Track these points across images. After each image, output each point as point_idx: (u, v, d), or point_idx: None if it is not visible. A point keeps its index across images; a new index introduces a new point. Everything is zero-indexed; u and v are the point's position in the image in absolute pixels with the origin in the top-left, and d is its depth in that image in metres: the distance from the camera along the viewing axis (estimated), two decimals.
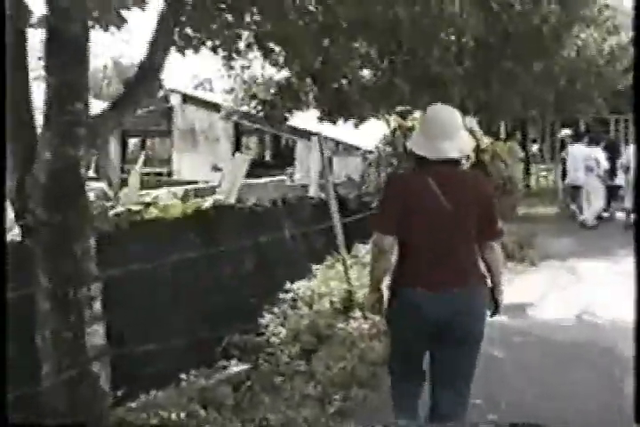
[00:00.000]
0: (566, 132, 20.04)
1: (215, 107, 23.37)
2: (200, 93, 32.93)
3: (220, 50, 7.05)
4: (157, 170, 29.79)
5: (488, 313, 4.50)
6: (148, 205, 7.35)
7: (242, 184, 11.29)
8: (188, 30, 6.47)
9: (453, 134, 4.19)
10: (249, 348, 6.89)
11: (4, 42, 4.22)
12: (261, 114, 14.76)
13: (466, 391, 4.45)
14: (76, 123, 4.59)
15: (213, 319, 7.20)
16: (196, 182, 18.87)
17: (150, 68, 5.30)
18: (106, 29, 4.53)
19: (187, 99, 29.08)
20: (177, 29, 5.93)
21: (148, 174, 26.28)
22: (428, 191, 4.11)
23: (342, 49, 7.71)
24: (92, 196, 7.00)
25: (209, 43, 6.82)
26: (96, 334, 4.79)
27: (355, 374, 6.24)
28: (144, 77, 5.30)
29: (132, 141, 41.40)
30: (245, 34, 7.23)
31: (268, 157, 37.43)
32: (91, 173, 20.10)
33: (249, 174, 22.33)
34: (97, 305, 4.80)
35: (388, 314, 4.51)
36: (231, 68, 14.15)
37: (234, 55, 7.18)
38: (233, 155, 26.98)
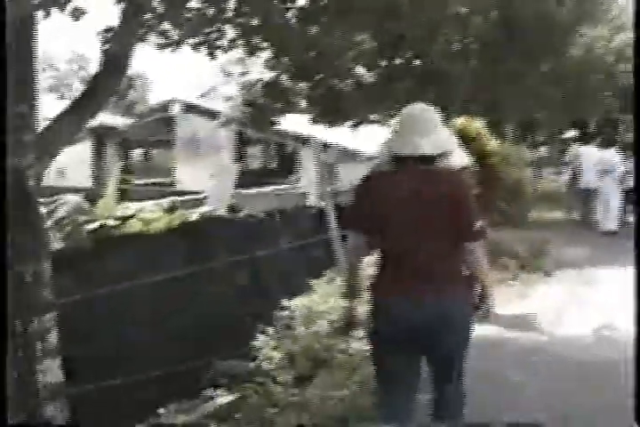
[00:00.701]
0: (572, 133, 19.34)
1: (216, 115, 22.75)
2: (201, 102, 32.24)
3: (202, 48, 6.46)
4: (159, 180, 29.28)
5: (475, 319, 4.29)
6: (126, 218, 6.71)
7: (240, 194, 10.68)
8: (167, 26, 5.88)
9: (428, 131, 4.05)
10: (238, 375, 6.24)
11: (4, 41, 3.69)
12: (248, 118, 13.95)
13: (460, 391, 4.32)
14: (21, 127, 3.97)
15: (201, 343, 6.58)
16: (197, 193, 18.40)
17: (114, 64, 4.67)
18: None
19: (188, 108, 28.45)
20: (152, 25, 5.33)
21: (148, 185, 25.85)
22: (399, 190, 3.97)
23: (332, 38, 7.01)
24: (65, 210, 6.42)
25: (190, 40, 6.24)
26: (50, 371, 4.15)
27: (354, 404, 5.57)
28: (107, 74, 4.67)
29: (136, 152, 41.10)
30: (229, 30, 6.61)
31: (273, 166, 36.88)
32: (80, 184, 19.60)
33: (253, 184, 21.86)
34: (51, 338, 4.16)
35: (369, 327, 4.21)
36: (229, 74, 13.57)
37: (217, 53, 6.56)
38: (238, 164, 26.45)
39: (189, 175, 27.54)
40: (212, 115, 26.03)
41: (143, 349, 6.10)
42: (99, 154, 27.16)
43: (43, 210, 5.89)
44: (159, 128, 29.85)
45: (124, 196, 11.97)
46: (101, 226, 6.21)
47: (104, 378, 4.99)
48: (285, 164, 33.39)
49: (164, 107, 28.46)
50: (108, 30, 4.63)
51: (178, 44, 6.14)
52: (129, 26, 4.48)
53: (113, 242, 6.19)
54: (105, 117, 30.55)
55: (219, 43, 6.46)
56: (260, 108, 12.77)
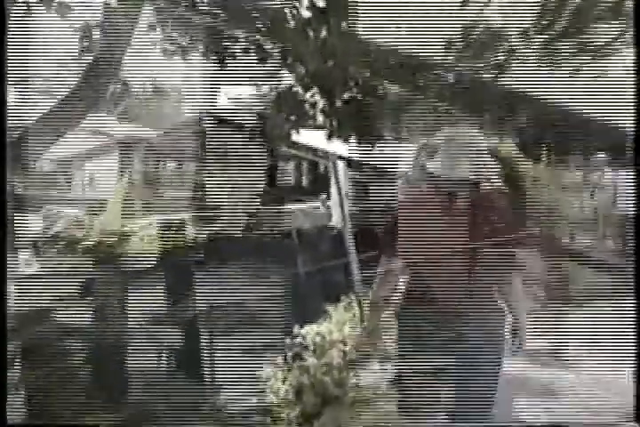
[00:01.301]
0: (601, 155, 18.74)
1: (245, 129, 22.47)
2: (232, 116, 32.10)
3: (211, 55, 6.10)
4: (187, 194, 29.15)
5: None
6: (129, 235, 6.27)
7: (263, 211, 10.26)
8: (174, 33, 5.53)
9: (472, 155, 4.02)
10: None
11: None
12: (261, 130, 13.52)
13: None
14: None
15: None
16: (221, 207, 18.16)
17: (105, 67, 4.27)
18: None
19: (220, 121, 28.27)
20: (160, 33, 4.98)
21: (174, 199, 25.69)
22: (434, 214, 3.94)
23: (346, 40, 6.61)
24: (61, 225, 6.02)
25: (200, 47, 5.89)
26: (13, 406, 3.70)
27: None
28: (97, 77, 4.28)
29: (168, 165, 40.99)
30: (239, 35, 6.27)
31: (304, 183, 36.63)
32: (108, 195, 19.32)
33: (282, 200, 21.46)
34: (15, 369, 3.72)
35: None
36: (257, 86, 13.22)
37: (227, 61, 6.21)
38: (269, 179, 26.25)
39: (218, 189, 27.31)
40: (242, 129, 25.78)
41: (144, 376, 5.68)
42: (126, 165, 27.02)
43: (39, 224, 5.54)
44: (190, 141, 29.72)
45: (146, 209, 11.57)
46: (98, 243, 5.77)
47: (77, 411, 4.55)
48: (318, 181, 33.06)
49: (196, 120, 28.34)
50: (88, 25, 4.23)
51: (185, 50, 5.78)
52: (115, 20, 4.10)
53: (108, 261, 5.75)
54: (133, 129, 30.51)
55: (229, 50, 6.13)
56: (272, 120, 12.40)
